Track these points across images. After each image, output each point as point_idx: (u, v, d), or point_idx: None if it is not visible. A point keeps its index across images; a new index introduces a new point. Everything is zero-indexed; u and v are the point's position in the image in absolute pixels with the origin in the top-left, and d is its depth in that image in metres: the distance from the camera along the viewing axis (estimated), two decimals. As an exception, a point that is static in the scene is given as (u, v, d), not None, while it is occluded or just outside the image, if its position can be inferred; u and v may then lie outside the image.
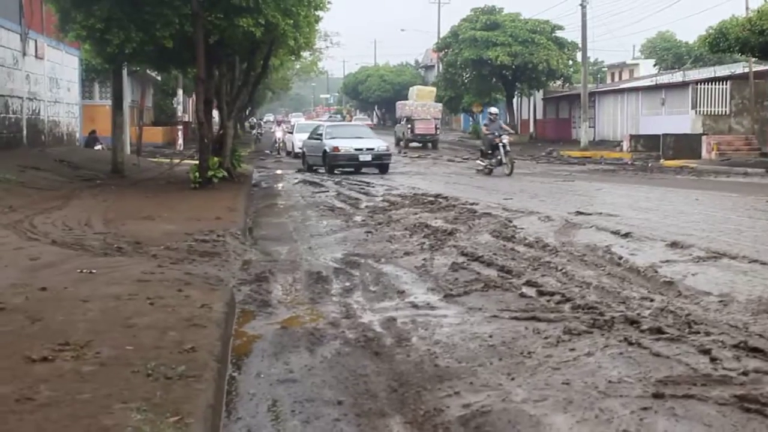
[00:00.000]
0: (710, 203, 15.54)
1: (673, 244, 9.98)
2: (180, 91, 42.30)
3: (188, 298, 6.55)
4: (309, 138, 30.98)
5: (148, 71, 32.85)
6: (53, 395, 4.17)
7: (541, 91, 58.15)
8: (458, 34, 54.65)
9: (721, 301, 6.95)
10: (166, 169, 22.70)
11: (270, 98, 78.00)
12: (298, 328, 6.44)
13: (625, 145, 38.43)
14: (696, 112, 38.99)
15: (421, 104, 52.57)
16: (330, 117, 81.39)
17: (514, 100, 58.54)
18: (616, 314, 6.43)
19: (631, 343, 5.69)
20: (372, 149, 27.27)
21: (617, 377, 5.02)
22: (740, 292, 7.31)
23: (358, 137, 28.71)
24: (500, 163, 25.37)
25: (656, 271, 8.28)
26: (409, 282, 8.26)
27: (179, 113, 42.99)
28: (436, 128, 51.91)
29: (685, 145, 33.46)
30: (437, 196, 16.72)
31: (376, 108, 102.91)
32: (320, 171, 27.56)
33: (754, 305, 6.78)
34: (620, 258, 9.06)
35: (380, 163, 27.40)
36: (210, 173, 18.02)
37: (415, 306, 7.14)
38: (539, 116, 60.73)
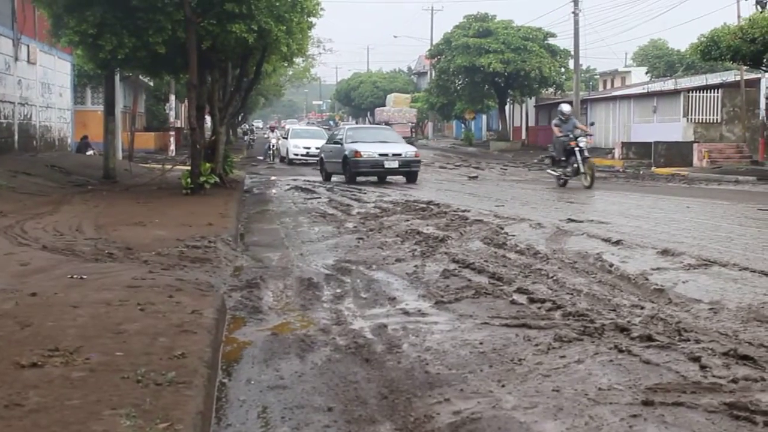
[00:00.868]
0: (701, 211, 15.58)
1: (664, 252, 10.00)
2: (172, 97, 42.31)
3: (179, 304, 6.54)
4: (327, 143, 28.69)
5: (140, 77, 32.84)
6: (42, 401, 4.16)
7: (533, 99, 58.33)
8: (451, 41, 54.78)
9: (711, 309, 6.96)
10: (157, 174, 22.67)
11: (262, 104, 78.03)
12: (288, 334, 6.43)
13: (617, 152, 38.52)
14: (687, 120, 39.14)
15: (398, 110, 63.01)
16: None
17: (507, 107, 58.70)
18: (607, 321, 6.44)
19: (621, 351, 5.69)
20: (399, 155, 24.79)
21: (607, 384, 5.03)
22: (730, 300, 7.33)
23: (382, 141, 26.14)
24: (577, 172, 21.68)
25: (647, 279, 8.29)
26: (401, 289, 8.26)
27: (171, 119, 43.00)
28: (412, 131, 61.12)
29: (677, 153, 33.57)
30: (429, 202, 16.72)
31: (368, 114, 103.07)
32: (334, 180, 25.85)
33: (744, 313, 6.80)
34: (611, 265, 9.08)
35: (408, 171, 24.96)
36: (202, 179, 18.00)
37: (406, 313, 7.13)
38: (531, 123, 60.86)
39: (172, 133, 41.33)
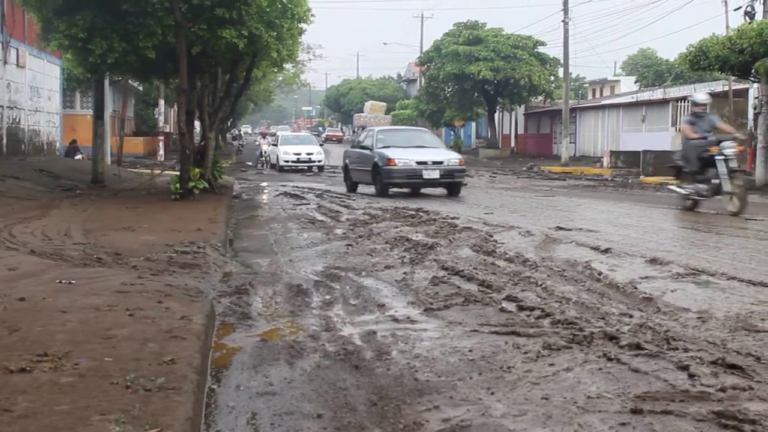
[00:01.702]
0: (689, 220, 15.61)
1: (653, 261, 10.03)
2: (162, 102, 42.26)
3: (168, 310, 6.52)
4: (353, 147, 25.75)
5: (130, 81, 32.78)
6: (31, 407, 4.14)
7: (522, 107, 58.53)
8: (441, 49, 54.94)
9: (699, 318, 6.99)
10: (146, 179, 22.64)
11: (252, 110, 78.09)
12: (278, 340, 6.43)
13: (606, 161, 38.66)
14: (676, 129, 39.27)
15: (374, 116, 68.77)
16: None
17: (496, 115, 58.86)
18: (596, 330, 6.46)
19: (610, 359, 5.71)
20: (440, 163, 21.54)
21: (596, 392, 5.04)
22: (718, 309, 7.35)
23: (419, 146, 23.00)
24: (718, 191, 15.80)
25: (635, 287, 8.31)
26: (390, 295, 8.26)
27: (161, 124, 42.94)
28: None
29: (666, 162, 33.61)
30: (418, 209, 16.73)
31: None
32: (363, 192, 23.00)
33: (732, 322, 6.82)
34: (600, 274, 9.10)
35: (451, 182, 21.77)
36: (191, 184, 17.97)
37: (395, 320, 7.13)
38: (520, 131, 61.04)
39: (161, 137, 41.30)
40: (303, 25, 20.47)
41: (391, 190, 21.84)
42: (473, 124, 69.35)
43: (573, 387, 5.15)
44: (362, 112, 74.97)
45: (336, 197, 21.17)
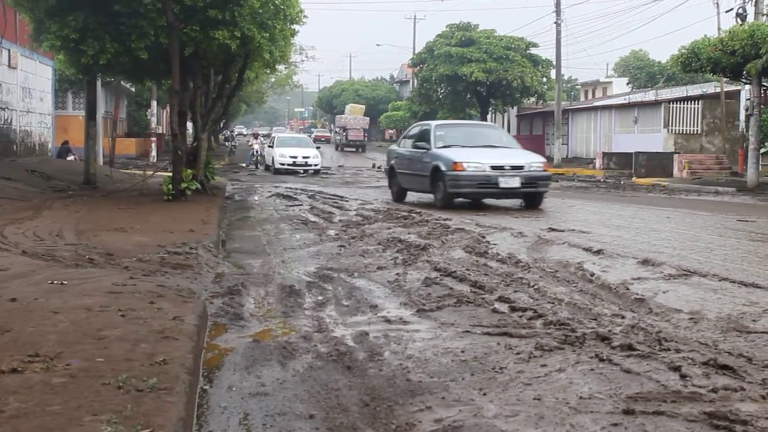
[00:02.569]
0: (681, 221, 15.66)
1: (645, 262, 10.05)
2: (154, 103, 42.21)
3: (160, 311, 6.52)
4: (402, 146, 21.29)
5: (122, 82, 32.78)
6: (22, 407, 4.14)
7: (515, 108, 58.56)
8: (433, 50, 54.93)
9: (691, 319, 7.01)
10: (139, 180, 22.60)
11: (245, 111, 78.06)
12: (270, 341, 6.42)
13: (598, 162, 38.75)
14: (668, 131, 39.39)
15: (353, 118, 73.22)
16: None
17: (489, 117, 58.84)
18: (588, 331, 6.47)
19: (602, 360, 5.72)
20: (520, 168, 17.91)
21: (588, 393, 5.04)
22: (710, 310, 7.37)
23: (490, 146, 19.35)
24: None
25: (627, 288, 8.33)
26: (382, 296, 8.26)
27: (153, 125, 42.88)
28: (365, 136, 71.80)
29: (657, 164, 33.77)
30: (410, 211, 16.74)
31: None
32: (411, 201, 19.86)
33: (723, 323, 6.84)
34: (592, 275, 9.12)
35: (533, 192, 18.28)
36: (183, 185, 17.93)
37: (387, 320, 7.13)
38: (513, 133, 61.00)
39: (154, 139, 41.24)
40: (296, 27, 20.46)
41: (456, 199, 18.43)
42: (466, 126, 69.36)
43: (565, 388, 5.16)
44: (343, 114, 78.87)
45: (329, 198, 21.14)
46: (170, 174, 18.98)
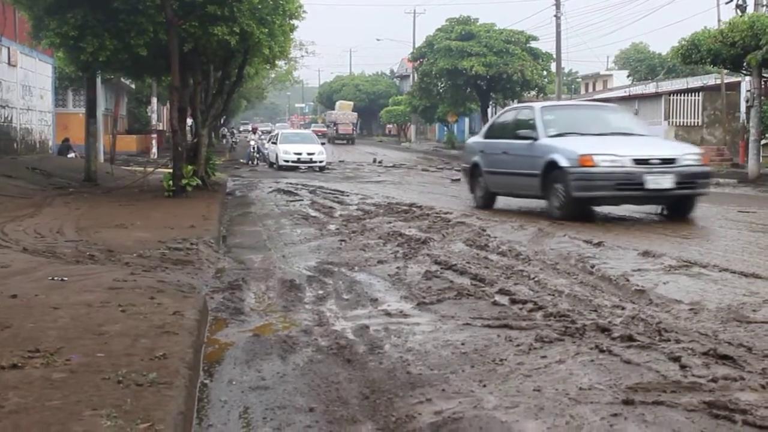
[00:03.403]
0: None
1: (645, 253, 10.05)
2: (154, 100, 42.15)
3: (160, 306, 6.53)
4: (490, 136, 17.03)
5: (122, 79, 32.74)
6: (22, 402, 4.14)
7: (515, 101, 58.40)
8: (433, 44, 54.80)
9: (691, 310, 7.01)
10: (139, 177, 22.60)
11: (245, 107, 77.98)
12: (270, 335, 6.43)
13: (599, 155, 38.61)
14: (669, 123, 39.32)
15: (343, 113, 78.84)
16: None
17: (489, 110, 58.73)
18: (588, 322, 6.47)
19: (602, 351, 5.72)
20: (671, 162, 13.78)
21: (588, 384, 5.05)
22: (710, 301, 7.37)
23: (619, 133, 15.22)
24: None
25: (628, 280, 8.33)
26: (383, 290, 8.27)
27: (153, 121, 42.81)
28: (353, 130, 76.44)
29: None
30: (411, 205, 16.72)
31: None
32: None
33: (723, 313, 6.84)
34: (592, 267, 9.11)
35: (689, 195, 14.01)
36: (184, 182, 17.95)
37: (388, 314, 7.14)
38: (514, 126, 61.01)
39: (154, 135, 41.21)
40: (295, 22, 20.43)
41: (582, 208, 13.98)
42: (467, 120, 69.28)
43: (565, 379, 5.16)
44: (334, 110, 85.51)
45: (329, 193, 21.13)
46: (171, 170, 18.99)
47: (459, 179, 27.04)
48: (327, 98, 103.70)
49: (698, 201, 14.41)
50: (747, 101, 29.02)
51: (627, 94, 46.79)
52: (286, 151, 35.99)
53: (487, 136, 17.31)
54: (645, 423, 4.41)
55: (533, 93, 56.27)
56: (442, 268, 9.21)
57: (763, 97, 27.22)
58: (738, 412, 4.49)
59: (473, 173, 17.15)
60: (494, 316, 6.87)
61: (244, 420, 4.62)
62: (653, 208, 14.84)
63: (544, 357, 5.64)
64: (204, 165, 20.41)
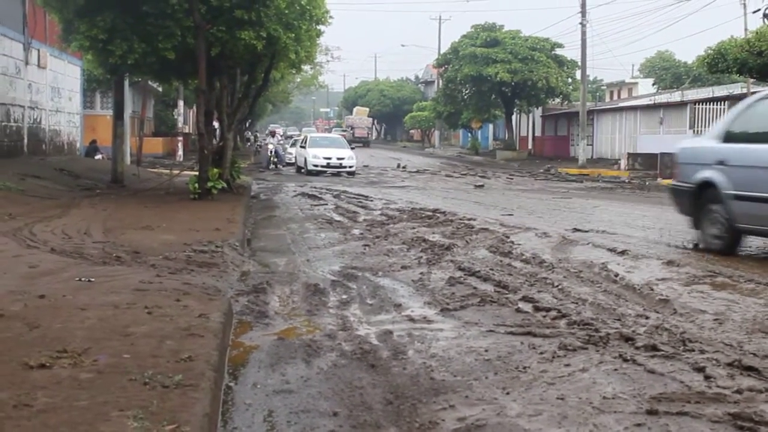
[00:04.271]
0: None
1: (669, 263, 10.00)
2: (181, 103, 42.38)
3: (186, 308, 6.55)
4: (738, 139, 11.22)
5: (149, 82, 32.84)
6: (51, 402, 4.17)
7: (539, 108, 58.29)
8: (458, 51, 54.83)
9: (716, 320, 6.96)
10: (165, 179, 22.70)
11: (270, 111, 78.05)
12: (294, 339, 6.44)
13: (623, 163, 38.51)
14: (694, 132, 39.05)
15: (359, 118, 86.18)
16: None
17: (513, 117, 58.72)
18: (612, 331, 6.44)
19: (626, 360, 5.69)
20: None
21: (612, 393, 5.02)
22: (735, 311, 7.32)
23: None
24: None
25: (652, 289, 8.29)
26: (406, 295, 8.26)
27: (180, 124, 43.05)
28: (368, 134, 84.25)
29: (683, 165, 33.45)
30: (435, 210, 16.72)
31: (375, 122, 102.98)
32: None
33: (748, 324, 6.80)
34: (616, 275, 9.08)
35: None
36: (209, 184, 18.02)
37: (411, 319, 7.14)
38: (538, 133, 60.84)
39: (180, 138, 41.35)
40: (321, 27, 20.46)
41: None
42: (490, 126, 69.20)
43: (588, 387, 5.14)
44: (351, 115, 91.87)
45: (353, 198, 21.14)
46: (196, 173, 19.07)
47: (483, 185, 26.90)
48: (352, 103, 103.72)
49: None
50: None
51: (652, 102, 46.56)
52: (315, 156, 34.80)
53: (732, 138, 11.47)
54: (669, 433, 4.39)
55: (558, 100, 56.19)
56: (465, 275, 9.19)
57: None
58: (763, 425, 4.46)
59: (701, 197, 11.57)
60: (517, 324, 6.86)
61: (268, 423, 4.63)
62: None
63: (567, 365, 5.62)
64: (229, 168, 20.47)
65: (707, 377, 5.29)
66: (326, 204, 19.52)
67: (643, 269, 9.67)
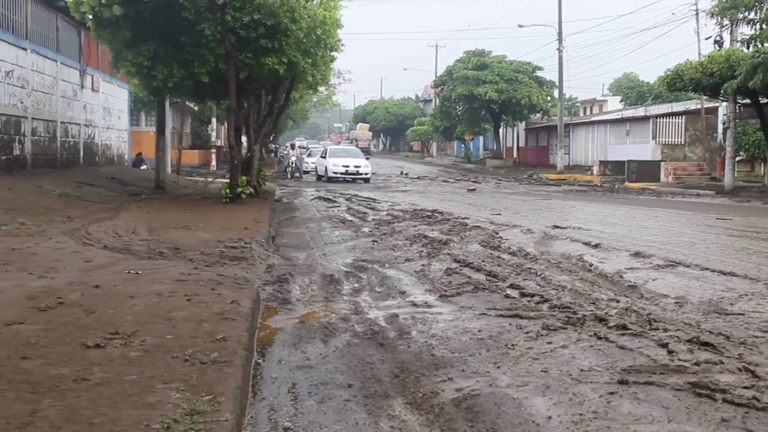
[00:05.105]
0: (668, 220, 15.52)
1: (636, 254, 9.97)
2: (214, 120, 42.39)
3: (220, 296, 6.55)
4: None
5: (187, 102, 32.83)
6: (105, 376, 4.18)
7: (523, 123, 58.18)
8: (453, 73, 54.71)
9: (677, 303, 6.94)
10: (201, 186, 22.70)
11: (291, 126, 77.98)
12: (313, 322, 6.44)
13: (595, 169, 38.42)
14: (656, 142, 39.06)
15: (361, 132, 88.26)
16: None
17: (500, 130, 58.56)
18: (587, 313, 6.43)
19: (600, 338, 5.68)
20: None
21: (588, 366, 5.01)
22: (693, 295, 7.31)
23: None
24: None
25: (621, 277, 8.27)
26: (410, 284, 8.25)
27: (213, 138, 43.05)
28: (369, 145, 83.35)
29: (647, 170, 33.43)
30: (434, 211, 16.69)
31: (381, 135, 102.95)
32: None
33: (705, 306, 6.78)
34: (591, 265, 9.05)
35: None
36: (239, 190, 18.02)
37: (414, 305, 7.13)
38: (521, 144, 60.75)
39: (214, 150, 41.36)
40: (334, 54, 20.44)
41: None
42: (481, 138, 69.04)
43: (568, 362, 5.13)
44: (355, 129, 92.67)
45: (363, 201, 21.10)
46: (228, 180, 19.05)
47: (474, 189, 26.94)
48: (361, 119, 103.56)
49: None
50: (724, 123, 28.78)
51: (620, 116, 46.48)
52: (335, 164, 34.69)
53: None
54: (638, 400, 4.38)
55: (538, 115, 56.06)
56: (460, 266, 9.18)
57: (737, 120, 26.94)
58: (718, 392, 4.45)
59: None
60: (506, 307, 6.84)
61: (292, 394, 4.62)
62: None
63: (549, 343, 5.60)
64: (256, 176, 20.44)
65: (670, 352, 5.28)
66: (339, 206, 19.51)
67: (614, 260, 9.64)
